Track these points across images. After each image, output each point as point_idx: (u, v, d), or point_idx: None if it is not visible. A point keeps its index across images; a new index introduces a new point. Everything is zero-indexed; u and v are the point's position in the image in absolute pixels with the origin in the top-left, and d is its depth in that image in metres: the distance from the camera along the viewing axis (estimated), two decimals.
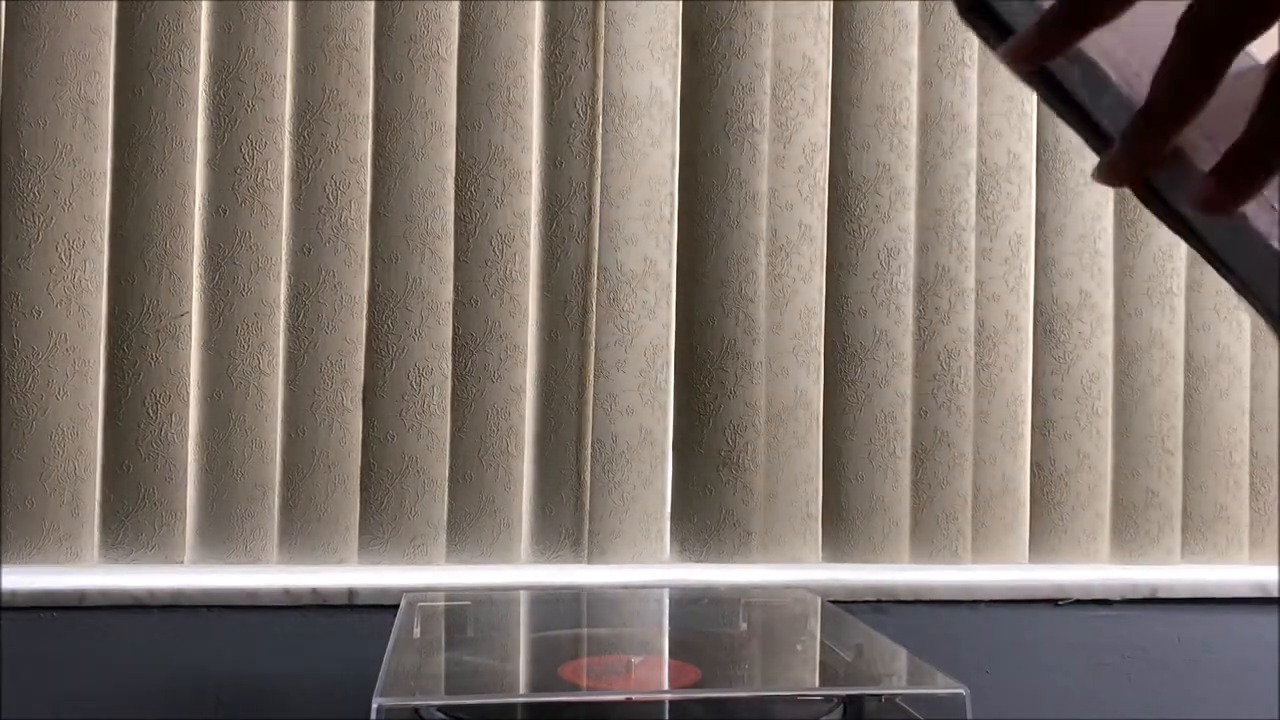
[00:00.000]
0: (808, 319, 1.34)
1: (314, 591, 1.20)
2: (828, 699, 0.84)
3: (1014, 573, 1.35)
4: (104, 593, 1.16)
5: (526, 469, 1.30)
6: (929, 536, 1.36)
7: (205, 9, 1.25)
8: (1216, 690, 1.33)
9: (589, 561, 1.30)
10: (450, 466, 1.28)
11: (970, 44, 1.38)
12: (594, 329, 1.31)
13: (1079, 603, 1.32)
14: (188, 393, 1.24)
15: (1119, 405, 1.41)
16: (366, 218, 1.27)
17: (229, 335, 1.25)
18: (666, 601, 1.22)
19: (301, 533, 1.25)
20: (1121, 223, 1.41)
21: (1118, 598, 1.33)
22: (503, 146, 1.29)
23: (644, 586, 1.26)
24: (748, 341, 1.33)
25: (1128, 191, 1.42)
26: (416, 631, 0.99)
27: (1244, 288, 0.41)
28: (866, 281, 1.35)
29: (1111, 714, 1.31)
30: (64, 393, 1.21)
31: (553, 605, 1.17)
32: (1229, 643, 1.34)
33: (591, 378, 1.31)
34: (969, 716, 0.77)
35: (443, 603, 1.12)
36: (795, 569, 1.32)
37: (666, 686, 0.88)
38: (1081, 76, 0.42)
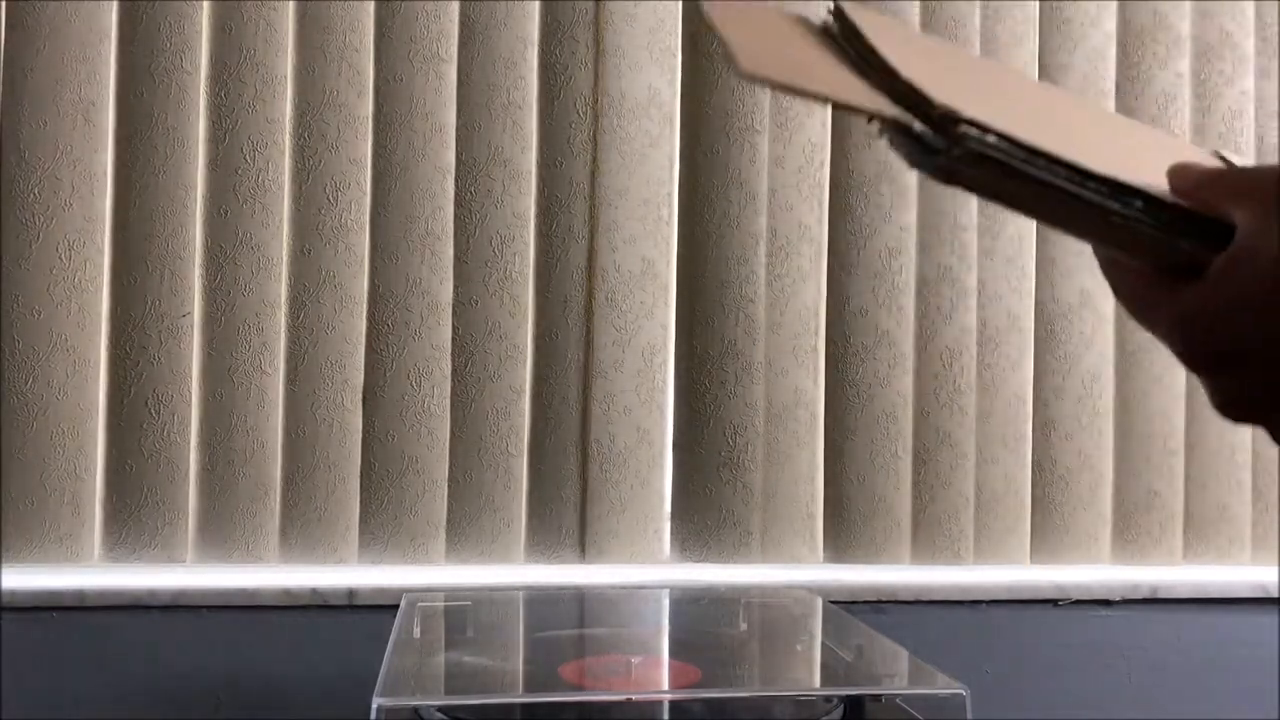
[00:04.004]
0: (808, 319, 1.34)
1: (314, 591, 1.20)
2: (828, 699, 0.84)
3: (1014, 573, 1.34)
4: (104, 593, 1.17)
5: (526, 469, 1.30)
6: (931, 537, 1.35)
7: (206, 10, 1.25)
8: (1216, 690, 1.33)
9: (588, 561, 1.30)
10: (450, 466, 1.28)
11: (970, 42, 1.38)
12: (593, 329, 1.31)
13: (1079, 603, 1.32)
14: (189, 392, 1.24)
15: (1120, 405, 1.40)
16: (366, 218, 1.27)
17: (230, 335, 1.25)
18: (666, 601, 1.22)
19: (302, 532, 1.25)
20: None
21: (1118, 598, 1.33)
22: (502, 147, 1.29)
23: (643, 586, 1.26)
24: (747, 341, 1.32)
25: None
26: (416, 631, 0.99)
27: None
28: (867, 281, 1.35)
29: (1111, 714, 1.31)
30: (64, 393, 1.21)
31: (552, 605, 1.18)
32: (1229, 643, 1.33)
33: (590, 378, 1.30)
34: (969, 716, 0.77)
35: (442, 603, 1.12)
36: (795, 569, 1.32)
37: (666, 686, 0.88)
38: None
